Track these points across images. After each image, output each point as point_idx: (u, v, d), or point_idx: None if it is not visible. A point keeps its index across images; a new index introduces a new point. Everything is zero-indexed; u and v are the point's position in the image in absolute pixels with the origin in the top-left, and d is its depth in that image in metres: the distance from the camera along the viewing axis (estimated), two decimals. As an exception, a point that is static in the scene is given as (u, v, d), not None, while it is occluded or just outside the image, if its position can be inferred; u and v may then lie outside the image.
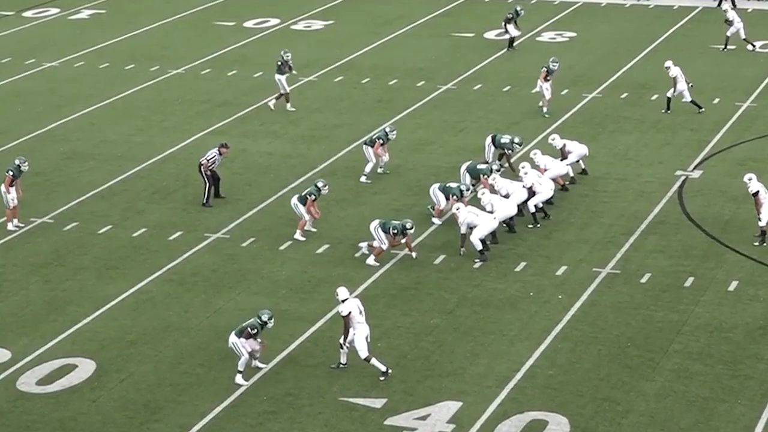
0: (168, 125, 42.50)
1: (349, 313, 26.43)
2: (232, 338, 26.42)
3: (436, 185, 33.98)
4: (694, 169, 37.50)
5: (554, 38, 52.79)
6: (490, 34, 52.78)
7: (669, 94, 42.08)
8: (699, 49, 50.64)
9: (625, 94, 44.39)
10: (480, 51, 50.48)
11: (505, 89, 45.43)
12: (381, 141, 36.75)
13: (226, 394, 25.94)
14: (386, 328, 28.56)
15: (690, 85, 42.09)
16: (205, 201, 35.47)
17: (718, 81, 45.94)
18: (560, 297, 29.92)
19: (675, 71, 41.96)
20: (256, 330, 26.36)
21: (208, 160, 35.57)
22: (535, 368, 26.76)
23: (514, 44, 50.51)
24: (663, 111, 42.05)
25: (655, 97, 43.77)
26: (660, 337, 27.98)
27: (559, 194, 34.95)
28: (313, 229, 33.55)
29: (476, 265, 31.46)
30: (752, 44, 49.88)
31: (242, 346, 26.25)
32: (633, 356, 27.20)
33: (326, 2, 59.27)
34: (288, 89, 43.68)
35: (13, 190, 34.12)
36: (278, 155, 39.30)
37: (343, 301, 26.63)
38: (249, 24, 55.58)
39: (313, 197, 33.18)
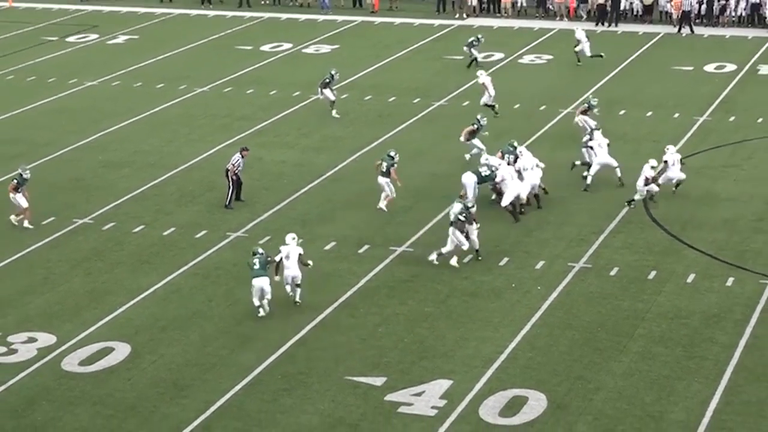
0: (194, 137, 42.57)
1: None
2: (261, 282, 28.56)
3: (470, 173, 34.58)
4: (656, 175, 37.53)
5: (534, 60, 52.88)
6: (478, 57, 52.75)
7: (482, 102, 43.31)
8: (661, 70, 50.70)
9: (596, 110, 44.39)
10: (468, 72, 50.38)
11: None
12: (393, 165, 35.32)
13: (245, 373, 26.01)
14: (386, 315, 28.65)
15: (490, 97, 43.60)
16: (227, 203, 35.53)
17: (678, 98, 45.99)
18: (539, 288, 29.98)
19: (483, 79, 43.53)
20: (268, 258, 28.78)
21: (234, 165, 35.60)
22: (517, 350, 26.81)
23: (471, 65, 50.44)
24: (495, 116, 42.77)
25: (622, 112, 43.89)
26: (626, 323, 28.05)
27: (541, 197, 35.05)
28: (384, 208, 34.50)
29: (465, 260, 31.53)
30: (600, 55, 51.20)
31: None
32: (603, 340, 27.26)
33: (333, 29, 59.37)
34: (334, 97, 44.26)
35: (19, 195, 34.14)
36: (290, 163, 39.33)
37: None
38: (265, 48, 55.65)
39: (395, 166, 34.43)
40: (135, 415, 24.58)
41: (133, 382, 25.86)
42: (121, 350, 27.20)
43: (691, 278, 30.40)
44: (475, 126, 38.14)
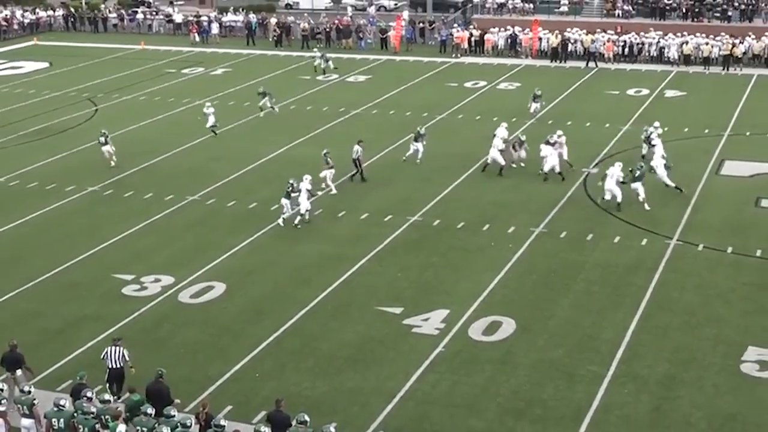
0: (270, 139, 42.36)
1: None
2: (284, 200, 30.93)
3: None
4: (593, 167, 37.22)
5: (507, 87, 52.43)
6: (468, 84, 52.50)
7: (209, 125, 42.19)
8: (596, 93, 50.25)
9: (551, 121, 44.11)
10: (461, 94, 50.20)
11: (477, 118, 45.20)
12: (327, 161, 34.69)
13: (305, 304, 26.00)
14: (403, 264, 28.52)
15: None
16: (363, 178, 35.53)
17: (608, 113, 45.55)
18: (510, 246, 29.79)
19: (207, 111, 42.22)
20: (291, 188, 30.54)
21: (358, 154, 35.51)
22: (495, 289, 26.70)
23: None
24: (215, 136, 42.19)
25: (569, 123, 43.43)
26: (572, 270, 27.88)
27: (512, 180, 34.65)
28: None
29: (458, 226, 31.33)
30: (336, 68, 54.59)
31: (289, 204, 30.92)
32: (555, 282, 27.10)
33: (367, 64, 59.01)
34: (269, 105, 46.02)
35: (107, 147, 37.26)
36: (337, 158, 39.02)
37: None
38: (320, 77, 55.37)
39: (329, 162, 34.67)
40: (229, 333, 24.58)
41: (227, 310, 25.88)
42: (219, 288, 27.21)
43: (617, 239, 30.14)
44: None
